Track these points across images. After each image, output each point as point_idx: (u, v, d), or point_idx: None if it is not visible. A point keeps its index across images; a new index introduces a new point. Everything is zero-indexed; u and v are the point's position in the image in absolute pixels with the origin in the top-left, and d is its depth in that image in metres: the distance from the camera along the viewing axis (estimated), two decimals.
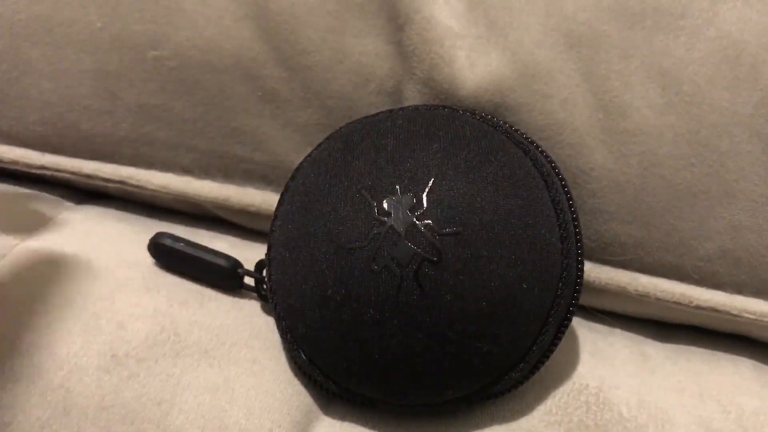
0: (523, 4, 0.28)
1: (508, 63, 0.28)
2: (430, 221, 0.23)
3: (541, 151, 0.27)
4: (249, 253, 0.30)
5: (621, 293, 0.30)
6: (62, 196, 0.36)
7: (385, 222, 0.23)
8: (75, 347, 0.27)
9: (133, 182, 0.33)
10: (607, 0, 0.27)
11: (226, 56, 0.30)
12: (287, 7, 0.29)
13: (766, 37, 0.27)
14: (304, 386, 0.27)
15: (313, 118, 0.31)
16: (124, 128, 0.32)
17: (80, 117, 0.33)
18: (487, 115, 0.27)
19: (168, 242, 0.31)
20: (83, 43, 0.32)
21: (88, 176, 0.34)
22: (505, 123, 0.27)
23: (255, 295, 0.30)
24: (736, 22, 0.27)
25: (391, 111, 0.27)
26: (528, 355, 0.25)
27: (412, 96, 0.29)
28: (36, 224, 0.33)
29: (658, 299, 0.29)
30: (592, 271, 0.30)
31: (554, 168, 0.26)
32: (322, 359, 0.25)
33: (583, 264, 0.26)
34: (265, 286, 0.28)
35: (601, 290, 0.30)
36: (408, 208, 0.23)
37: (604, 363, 0.29)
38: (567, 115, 0.28)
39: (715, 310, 0.29)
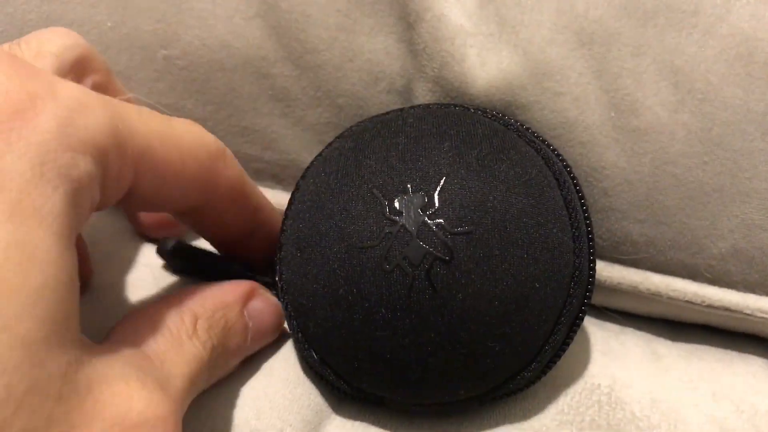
0: (535, 2, 0.28)
1: (519, 61, 0.28)
2: (441, 220, 0.23)
3: (553, 150, 0.26)
4: None
5: (633, 292, 0.30)
6: None
7: (396, 221, 0.23)
8: None
9: None
10: None
11: (236, 55, 0.30)
12: (297, 5, 0.29)
13: None
14: (315, 386, 0.27)
15: (323, 117, 0.31)
16: None
17: None
18: (498, 113, 0.27)
19: (175, 246, 0.30)
20: (93, 42, 0.32)
21: None
22: (516, 121, 0.27)
23: None
24: (749, 19, 0.27)
25: (402, 110, 0.27)
26: (540, 355, 0.25)
27: (423, 94, 0.29)
28: None
29: (670, 298, 0.29)
30: (604, 269, 0.29)
31: (566, 167, 0.26)
32: (333, 359, 0.25)
33: (595, 263, 0.25)
34: (275, 286, 0.28)
35: (613, 289, 0.30)
36: (419, 207, 0.23)
37: (616, 362, 0.29)
38: (578, 113, 0.28)
39: (727, 309, 0.29)
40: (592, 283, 0.25)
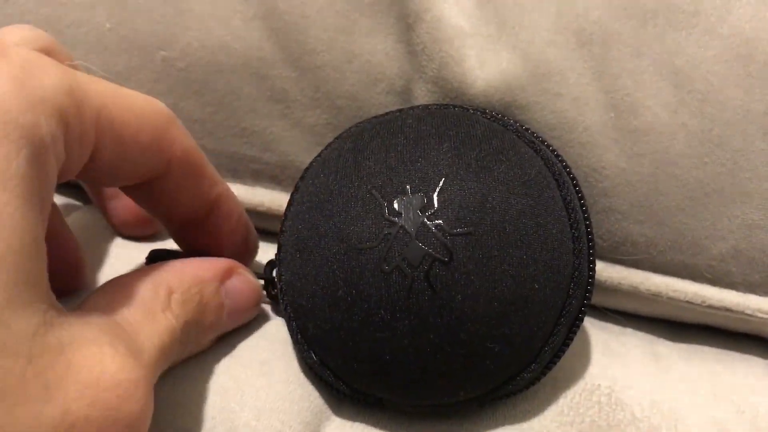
0: (534, 3, 0.28)
1: (518, 62, 0.28)
2: (441, 221, 0.23)
3: (552, 150, 0.26)
4: (258, 254, 0.30)
5: (633, 293, 0.30)
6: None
7: (395, 222, 0.23)
8: None
9: None
10: None
11: (234, 56, 0.30)
12: (296, 6, 0.29)
13: None
14: (314, 387, 0.27)
15: (322, 118, 0.31)
16: None
17: None
18: (497, 113, 0.27)
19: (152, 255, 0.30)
20: (92, 44, 0.32)
21: None
22: (515, 122, 0.27)
23: (264, 295, 0.30)
24: (750, 19, 0.26)
25: (401, 110, 0.27)
26: (540, 356, 0.25)
27: (422, 95, 0.29)
28: None
29: (670, 299, 0.29)
30: (604, 270, 0.29)
31: (565, 167, 0.26)
32: (332, 360, 0.25)
33: (594, 263, 0.25)
34: (275, 287, 0.28)
35: (613, 290, 0.30)
36: (419, 209, 0.23)
37: (616, 363, 0.29)
38: (578, 114, 0.28)
39: (728, 309, 0.29)
40: (592, 284, 0.25)
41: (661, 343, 0.31)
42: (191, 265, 0.25)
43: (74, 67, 0.23)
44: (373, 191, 0.24)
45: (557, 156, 0.26)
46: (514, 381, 0.25)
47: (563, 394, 0.27)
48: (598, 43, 0.27)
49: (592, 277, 0.25)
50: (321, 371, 0.26)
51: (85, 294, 0.29)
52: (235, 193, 0.29)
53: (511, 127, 0.26)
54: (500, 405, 0.27)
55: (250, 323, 0.29)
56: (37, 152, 0.18)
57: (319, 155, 0.27)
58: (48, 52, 0.25)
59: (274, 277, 0.28)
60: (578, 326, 0.25)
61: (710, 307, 0.29)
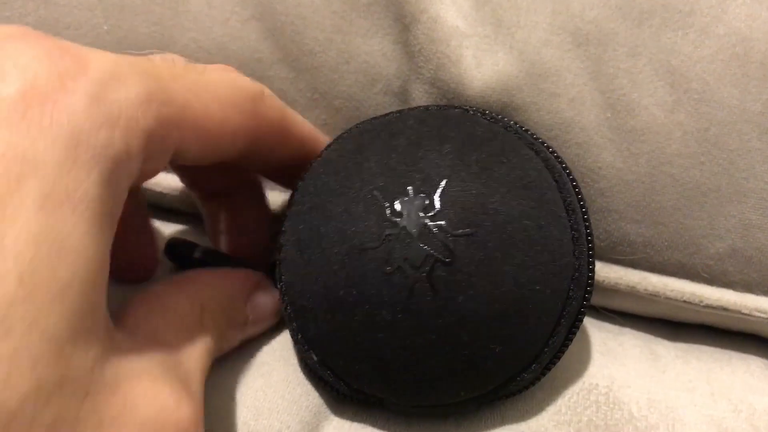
0: (530, 3, 0.28)
1: (515, 62, 0.28)
2: (443, 222, 0.23)
3: (552, 152, 0.26)
4: None
5: (631, 293, 0.30)
6: None
7: (397, 223, 0.23)
8: None
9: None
10: None
11: (232, 57, 0.30)
12: (293, 7, 0.29)
13: None
14: (313, 387, 0.27)
15: (320, 119, 0.31)
16: None
17: None
18: (497, 114, 0.27)
19: (183, 247, 0.30)
20: (89, 45, 0.32)
21: None
22: (515, 123, 0.27)
23: None
24: (745, 19, 0.27)
25: (401, 111, 0.27)
26: (540, 356, 0.25)
27: (419, 96, 0.29)
28: None
29: (668, 298, 0.29)
30: (602, 270, 0.29)
31: (565, 168, 0.26)
32: (333, 360, 0.25)
33: (594, 264, 0.25)
34: (275, 287, 0.28)
35: (611, 290, 0.30)
36: (420, 210, 0.23)
37: (615, 362, 0.29)
38: (575, 114, 0.28)
39: (725, 309, 0.29)
40: (591, 285, 0.25)
41: (659, 343, 0.31)
42: (222, 279, 0.25)
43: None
44: (375, 192, 0.24)
45: (557, 157, 0.26)
46: (515, 381, 0.25)
47: (561, 394, 0.27)
48: (594, 43, 0.27)
49: (592, 278, 0.25)
50: (321, 371, 0.26)
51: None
52: None
53: (511, 129, 0.26)
54: (499, 405, 0.27)
55: None
56: (108, 172, 0.18)
57: (319, 156, 0.27)
58: None
59: (274, 278, 0.28)
60: (578, 327, 0.25)
61: (708, 306, 0.29)
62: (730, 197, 0.28)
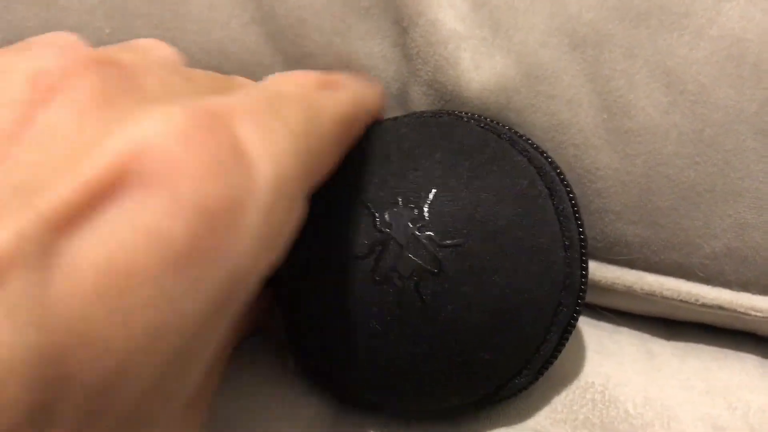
0: (527, 6, 0.28)
1: (512, 64, 0.28)
2: (431, 233, 0.23)
3: (547, 157, 0.27)
4: None
5: (627, 292, 0.30)
6: None
7: (387, 234, 0.24)
8: None
9: None
10: (611, 0, 0.27)
11: (233, 60, 0.31)
12: (293, 10, 0.30)
13: None
14: (311, 393, 0.27)
15: None
16: None
17: None
18: (491, 121, 0.27)
19: None
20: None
21: None
22: (509, 129, 0.27)
23: None
24: (740, 20, 0.27)
25: (395, 119, 0.27)
26: (531, 362, 0.25)
27: (418, 98, 0.29)
28: None
29: (664, 297, 0.29)
30: (598, 270, 0.30)
31: (559, 174, 0.26)
32: (328, 365, 0.26)
33: (587, 270, 0.26)
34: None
35: (608, 289, 0.30)
36: (409, 220, 0.24)
37: (610, 360, 0.29)
38: (572, 116, 0.28)
39: (721, 308, 0.29)
40: (584, 291, 0.25)
41: (655, 341, 0.31)
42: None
43: None
44: (366, 202, 0.24)
45: (551, 163, 0.27)
46: (506, 387, 0.25)
47: (557, 392, 0.28)
48: (591, 45, 0.28)
49: (584, 284, 0.26)
50: (316, 376, 0.26)
51: None
52: None
53: (504, 136, 0.26)
54: (495, 405, 0.27)
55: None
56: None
57: None
58: None
59: (269, 284, 0.28)
60: (570, 332, 0.26)
61: (704, 305, 0.29)
62: (725, 197, 0.28)
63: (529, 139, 0.27)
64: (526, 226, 0.24)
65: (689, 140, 0.28)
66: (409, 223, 0.24)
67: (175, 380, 0.16)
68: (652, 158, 0.28)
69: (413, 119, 0.27)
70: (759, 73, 0.27)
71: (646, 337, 0.31)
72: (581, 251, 0.25)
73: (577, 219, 0.26)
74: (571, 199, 0.26)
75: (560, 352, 0.26)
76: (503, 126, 0.27)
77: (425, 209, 0.24)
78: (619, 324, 0.32)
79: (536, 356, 0.25)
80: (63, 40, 0.18)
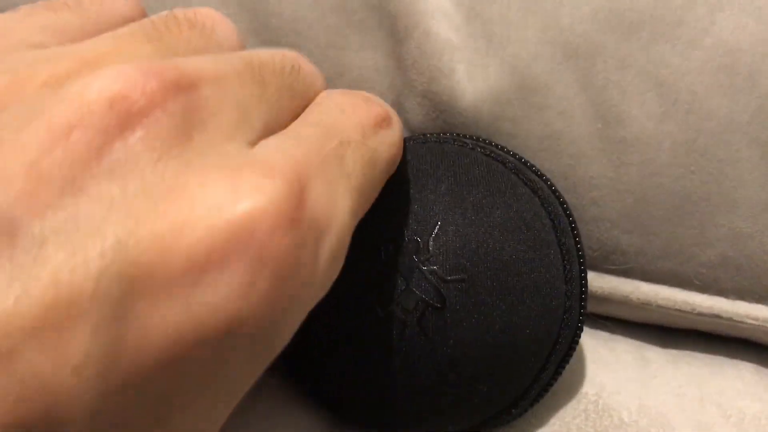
0: (521, 18, 0.28)
1: (506, 75, 0.28)
2: (435, 267, 0.23)
3: (551, 186, 0.27)
4: None
5: (623, 301, 0.30)
6: None
7: (391, 266, 0.24)
8: None
9: None
10: (604, 11, 0.27)
11: None
12: (288, 22, 0.30)
13: (762, 46, 0.27)
14: (307, 415, 0.27)
15: None
16: None
17: None
18: (496, 146, 0.27)
19: None
20: None
21: None
22: (514, 155, 0.27)
23: None
24: (733, 30, 0.27)
25: None
26: (527, 393, 0.25)
27: (412, 108, 0.29)
28: None
29: (660, 306, 0.30)
30: (595, 280, 0.30)
31: (562, 204, 0.26)
32: (327, 390, 0.26)
33: (586, 301, 0.26)
34: None
35: (604, 298, 0.30)
36: (414, 254, 0.24)
37: (605, 369, 0.29)
38: (565, 126, 0.28)
39: (717, 316, 0.29)
40: (582, 323, 0.26)
41: (650, 349, 0.31)
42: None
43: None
44: (371, 234, 0.24)
45: (555, 192, 0.26)
46: (502, 417, 0.26)
47: (550, 405, 0.28)
48: (583, 56, 0.28)
49: (583, 315, 0.26)
50: (315, 400, 0.27)
51: None
52: None
53: (510, 164, 0.26)
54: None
55: None
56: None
57: None
58: None
59: None
60: (567, 363, 0.26)
61: (699, 314, 0.29)
62: (719, 206, 0.28)
63: (533, 166, 0.27)
64: (529, 261, 0.24)
65: (683, 150, 0.28)
66: (414, 257, 0.24)
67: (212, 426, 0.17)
68: (646, 167, 0.28)
69: (417, 145, 0.26)
70: (752, 83, 0.27)
71: (641, 344, 0.31)
72: (581, 282, 0.26)
73: (578, 249, 0.26)
74: (573, 228, 0.26)
75: (556, 380, 0.26)
76: (508, 152, 0.27)
77: (430, 243, 0.24)
78: (614, 332, 0.32)
79: (533, 387, 0.25)
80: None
